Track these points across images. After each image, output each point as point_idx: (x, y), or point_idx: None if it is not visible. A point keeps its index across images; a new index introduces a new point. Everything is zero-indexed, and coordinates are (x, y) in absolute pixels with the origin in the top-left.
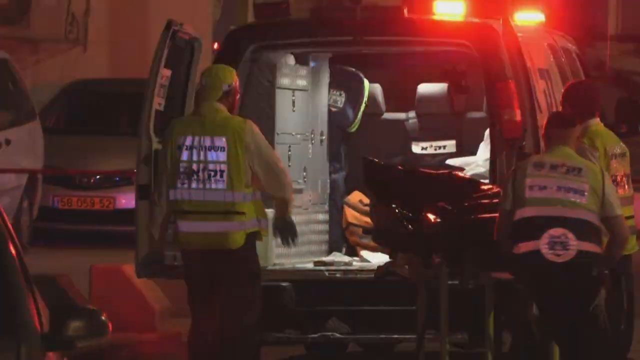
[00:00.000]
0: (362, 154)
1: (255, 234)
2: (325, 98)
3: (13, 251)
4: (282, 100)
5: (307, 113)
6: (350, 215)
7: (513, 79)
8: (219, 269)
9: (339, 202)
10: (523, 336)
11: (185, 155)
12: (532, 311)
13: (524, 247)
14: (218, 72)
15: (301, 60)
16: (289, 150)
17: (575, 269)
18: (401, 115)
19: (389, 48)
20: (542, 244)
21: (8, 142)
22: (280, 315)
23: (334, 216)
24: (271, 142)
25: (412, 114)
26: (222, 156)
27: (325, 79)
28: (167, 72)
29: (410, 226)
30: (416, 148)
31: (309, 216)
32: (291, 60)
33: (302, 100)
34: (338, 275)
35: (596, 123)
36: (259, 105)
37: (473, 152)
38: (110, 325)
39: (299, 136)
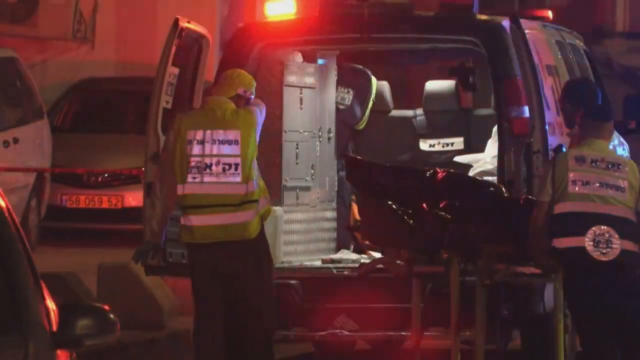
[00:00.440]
0: (370, 152)
1: (261, 218)
2: (333, 96)
3: (21, 250)
4: (290, 98)
5: (315, 110)
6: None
7: (521, 75)
8: (235, 262)
9: (347, 199)
10: (533, 332)
11: (197, 150)
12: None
13: (568, 242)
14: (240, 75)
15: (309, 58)
16: (297, 148)
17: (624, 268)
18: (409, 113)
19: (397, 45)
20: (587, 241)
21: (16, 140)
22: (288, 313)
23: (341, 214)
24: (279, 139)
25: (419, 111)
26: (237, 149)
27: (333, 76)
28: (174, 70)
29: (411, 222)
30: (424, 145)
31: (317, 214)
32: (299, 57)
33: (310, 97)
34: (346, 272)
35: None
36: (267, 103)
37: (481, 149)
38: (118, 323)
39: (306, 134)
